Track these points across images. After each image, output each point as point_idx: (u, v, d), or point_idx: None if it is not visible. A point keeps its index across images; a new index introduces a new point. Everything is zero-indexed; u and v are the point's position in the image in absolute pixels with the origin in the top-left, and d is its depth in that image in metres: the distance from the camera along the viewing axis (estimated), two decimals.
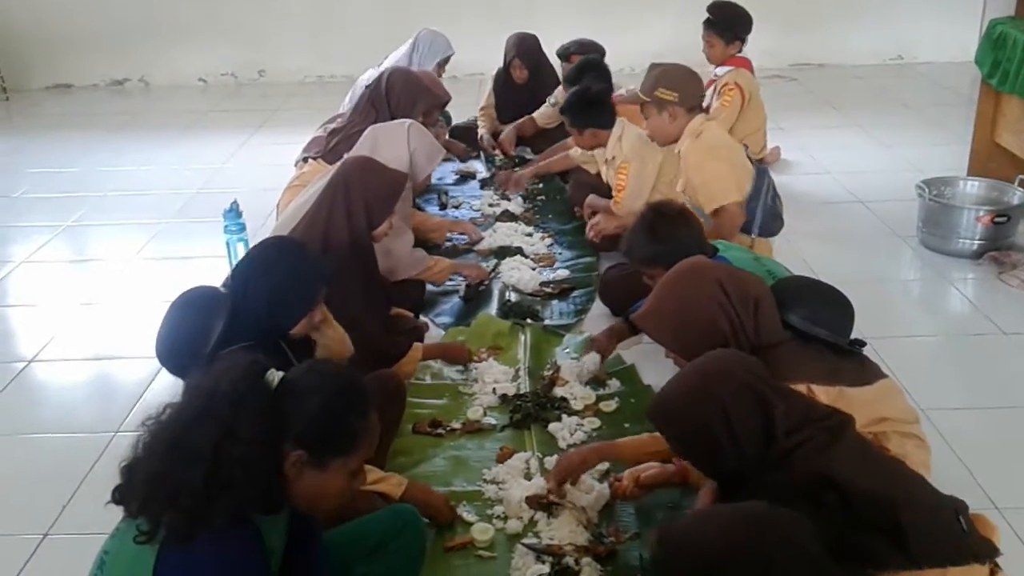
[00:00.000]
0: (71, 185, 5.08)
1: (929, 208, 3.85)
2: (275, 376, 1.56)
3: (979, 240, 3.72)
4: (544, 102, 5.02)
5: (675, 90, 3.19)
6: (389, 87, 4.00)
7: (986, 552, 1.65)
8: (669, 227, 2.69)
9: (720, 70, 4.63)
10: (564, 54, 4.84)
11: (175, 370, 2.20)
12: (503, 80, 5.21)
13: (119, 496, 1.51)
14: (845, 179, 4.77)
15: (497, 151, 5.14)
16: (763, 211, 3.19)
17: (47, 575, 2.30)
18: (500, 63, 5.21)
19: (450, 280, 3.64)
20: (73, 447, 2.78)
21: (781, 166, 4.97)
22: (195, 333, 2.13)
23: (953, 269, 3.73)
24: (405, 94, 3.97)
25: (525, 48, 5.07)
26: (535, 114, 5.06)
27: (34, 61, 7.25)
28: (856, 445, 1.73)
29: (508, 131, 5.10)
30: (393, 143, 3.39)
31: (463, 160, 5.06)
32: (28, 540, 2.39)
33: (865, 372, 2.20)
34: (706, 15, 4.69)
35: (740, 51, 4.64)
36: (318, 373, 1.62)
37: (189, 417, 1.49)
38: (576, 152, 4.24)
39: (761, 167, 3.32)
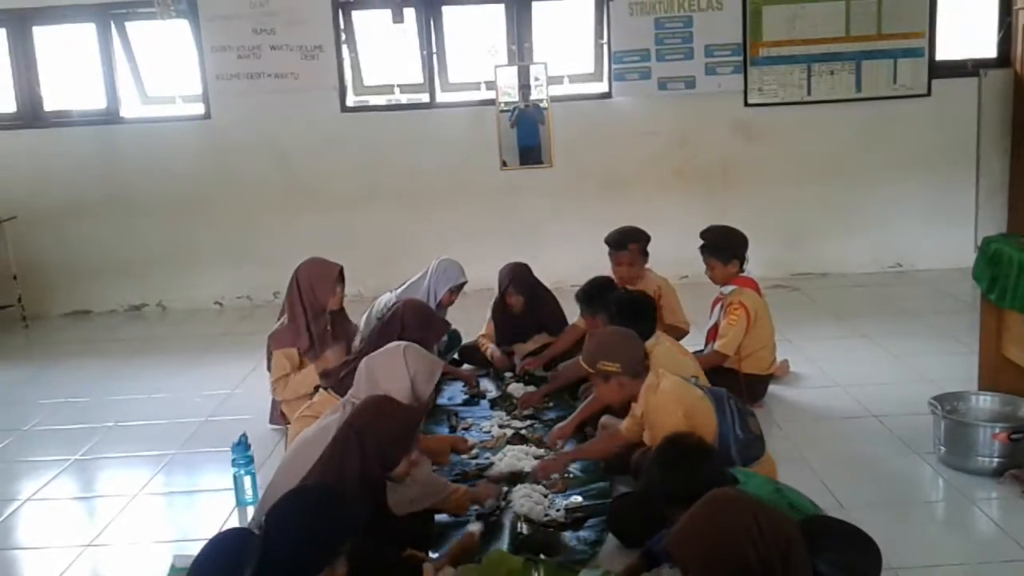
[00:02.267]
0: (82, 415, 5.10)
1: (944, 425, 3.81)
2: None
3: (998, 458, 3.65)
4: (542, 326, 5.13)
5: (616, 361, 3.35)
6: (404, 322, 4.09)
7: None
8: (686, 460, 2.69)
9: (726, 288, 4.72)
10: (614, 244, 5.03)
11: None
12: (500, 308, 5.34)
13: None
14: (856, 392, 4.75)
15: (501, 362, 5.20)
16: (735, 443, 3.18)
17: None
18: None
19: None
20: None
21: (791, 380, 4.98)
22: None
23: (976, 489, 3.63)
24: (415, 324, 4.04)
25: (518, 277, 5.23)
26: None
27: (54, 288, 7.49)
28: None
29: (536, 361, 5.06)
30: (393, 373, 3.41)
31: (472, 385, 5.05)
32: None
33: None
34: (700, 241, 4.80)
35: (742, 270, 4.73)
36: None
37: None
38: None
39: (719, 394, 3.32)
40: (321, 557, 2.26)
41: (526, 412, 4.63)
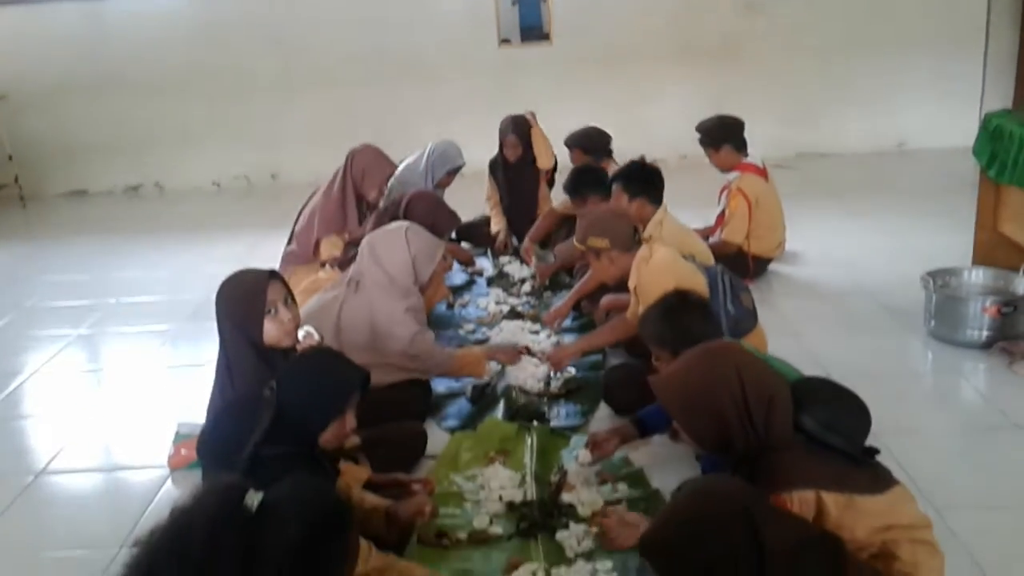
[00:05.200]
0: (85, 292, 5.15)
1: (935, 299, 3.85)
2: (255, 500, 1.56)
3: (987, 331, 3.70)
4: (541, 177, 5.20)
5: (605, 237, 3.38)
6: (409, 210, 4.07)
7: None
8: (686, 316, 2.74)
9: (730, 175, 4.73)
10: (569, 144, 5.07)
11: (213, 469, 2.34)
12: (499, 165, 5.34)
13: None
14: (851, 269, 4.78)
15: (504, 255, 5.23)
16: (726, 317, 3.22)
17: None
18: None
19: (456, 381, 3.65)
20: (80, 563, 2.74)
21: (787, 257, 5.00)
22: (234, 435, 2.25)
23: (964, 360, 3.70)
24: (421, 217, 4.01)
25: (518, 126, 5.21)
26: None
27: (51, 168, 7.46)
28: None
29: (526, 243, 5.04)
30: (393, 251, 3.42)
31: (470, 265, 5.06)
32: None
33: (877, 479, 2.16)
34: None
35: (746, 156, 4.72)
36: (297, 499, 1.62)
37: (164, 553, 1.50)
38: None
39: (712, 270, 3.34)
40: (331, 411, 2.37)
41: (525, 291, 4.71)
